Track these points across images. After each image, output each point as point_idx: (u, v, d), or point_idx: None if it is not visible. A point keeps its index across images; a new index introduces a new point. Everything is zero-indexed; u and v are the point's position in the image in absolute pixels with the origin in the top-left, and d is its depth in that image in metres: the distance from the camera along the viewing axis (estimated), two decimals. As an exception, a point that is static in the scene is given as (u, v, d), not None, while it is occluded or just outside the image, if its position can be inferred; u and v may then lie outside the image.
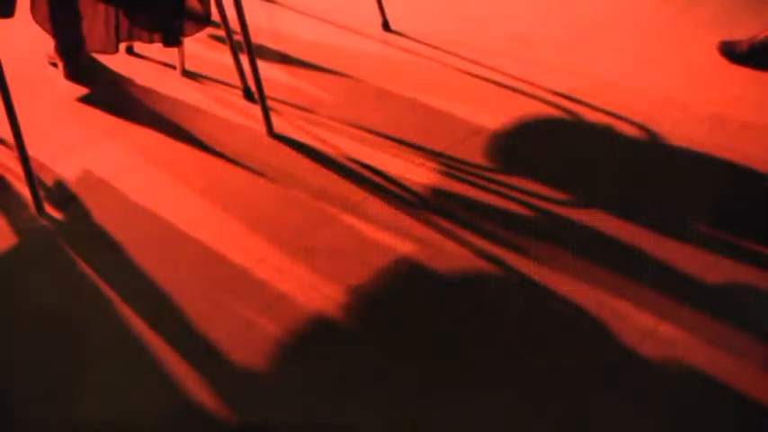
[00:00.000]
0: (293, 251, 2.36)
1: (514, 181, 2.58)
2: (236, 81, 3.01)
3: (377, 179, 2.61)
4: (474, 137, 2.78)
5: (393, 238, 2.39)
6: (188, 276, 2.30)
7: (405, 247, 2.36)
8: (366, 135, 2.81)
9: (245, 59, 2.83)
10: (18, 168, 2.56)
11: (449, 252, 2.33)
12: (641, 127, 2.78)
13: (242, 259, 2.34)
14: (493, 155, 2.70)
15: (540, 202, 2.50)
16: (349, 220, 2.46)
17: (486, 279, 2.25)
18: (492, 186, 2.57)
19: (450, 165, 2.66)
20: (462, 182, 2.59)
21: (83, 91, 3.05)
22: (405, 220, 2.45)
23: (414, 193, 2.56)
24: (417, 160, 2.69)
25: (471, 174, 2.62)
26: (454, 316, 2.14)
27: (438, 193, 2.56)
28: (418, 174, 2.64)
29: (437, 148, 2.74)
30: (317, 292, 2.23)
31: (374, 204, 2.52)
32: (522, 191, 2.55)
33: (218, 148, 2.77)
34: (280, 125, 2.86)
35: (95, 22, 2.92)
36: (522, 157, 2.70)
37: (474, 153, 2.71)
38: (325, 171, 2.65)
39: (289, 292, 2.23)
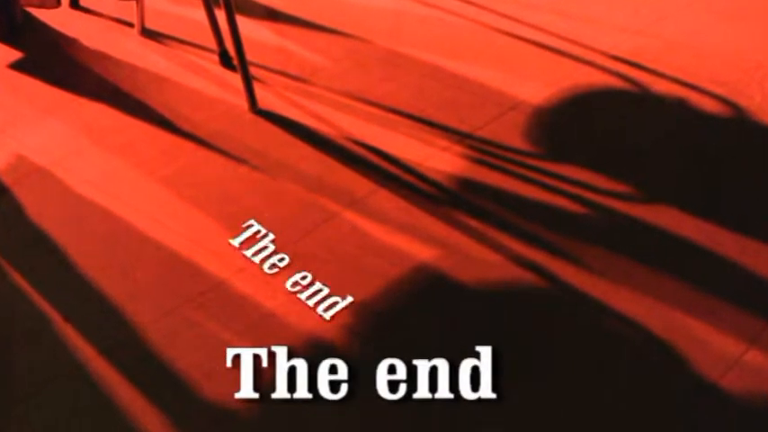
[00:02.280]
0: (281, 258, 2.37)
1: (562, 169, 2.59)
2: (211, 43, 3.01)
3: (388, 167, 2.62)
4: (511, 113, 2.78)
5: (408, 241, 2.39)
6: (149, 290, 2.29)
7: (423, 253, 2.36)
8: (375, 111, 2.81)
9: (221, 15, 2.83)
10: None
11: (479, 259, 2.33)
12: (723, 100, 2.78)
13: (217, 268, 2.35)
14: (535, 136, 2.70)
15: (594, 195, 2.50)
16: (353, 218, 2.47)
17: (527, 293, 2.24)
18: (534, 176, 2.57)
19: (482, 149, 2.67)
20: (496, 170, 2.59)
21: (16, 55, 3.06)
22: (423, 219, 2.45)
23: (435, 185, 2.56)
24: (440, 143, 2.70)
25: (508, 160, 2.62)
26: (486, 340, 2.12)
27: (466, 184, 2.56)
28: (441, 160, 2.64)
29: (465, 127, 2.74)
30: (311, 310, 2.22)
31: (385, 199, 2.52)
32: (571, 182, 2.54)
33: (187, 128, 2.77)
34: (265, 98, 2.87)
35: (32, -33, 2.95)
36: (573, 139, 2.70)
37: (511, 133, 2.71)
38: (322, 156, 2.66)
39: (276, 310, 2.23)
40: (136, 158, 2.68)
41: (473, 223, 2.43)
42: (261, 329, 2.19)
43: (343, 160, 2.64)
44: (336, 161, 2.64)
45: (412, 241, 2.39)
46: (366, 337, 2.16)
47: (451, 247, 2.37)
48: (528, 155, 2.64)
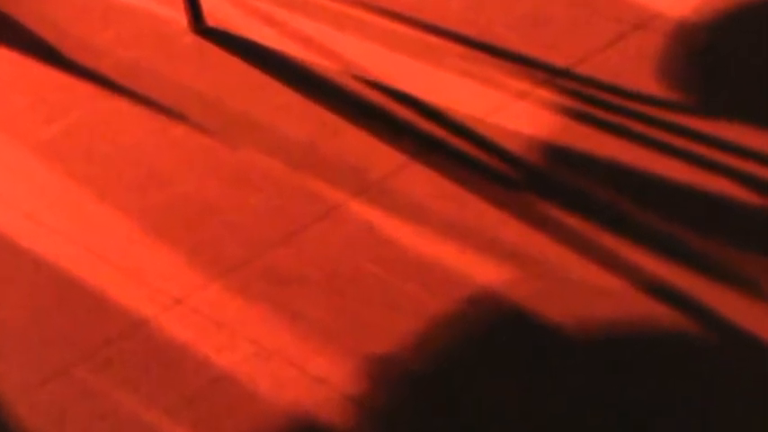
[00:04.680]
0: (246, 281, 2.37)
1: (721, 129, 2.59)
2: None
3: (425, 125, 2.62)
4: (636, 34, 2.82)
5: (460, 252, 2.36)
6: (22, 338, 2.31)
7: (485, 273, 2.35)
8: (402, 30, 2.83)
9: None
10: None
11: (579, 283, 2.35)
12: None
13: (136, 299, 2.36)
14: (676, 73, 2.71)
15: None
16: (365, 213, 2.47)
17: (662, 339, 2.24)
18: (673, 141, 2.57)
19: (585, 95, 2.68)
20: (610, 131, 2.58)
21: None
22: (485, 215, 2.44)
23: (505, 156, 2.55)
24: (514, 85, 2.71)
25: (629, 113, 2.62)
26: (594, 407, 2.11)
27: (557, 155, 2.55)
28: (516, 114, 2.64)
29: (557, 58, 2.77)
30: (295, 369, 2.21)
31: (419, 181, 2.52)
32: (736, 150, 2.54)
33: (84, 60, 2.82)
34: (217, 9, 2.92)
35: None
36: (738, 78, 2.70)
37: (636, 69, 2.74)
38: (312, 108, 2.67)
39: (235, 370, 2.22)
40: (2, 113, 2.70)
41: (570, 222, 2.42)
42: (208, 404, 2.15)
43: (349, 115, 2.67)
44: (337, 116, 2.63)
45: (465, 253, 2.39)
46: (390, 421, 2.10)
47: (532, 262, 2.40)
48: (663, 105, 2.65)
